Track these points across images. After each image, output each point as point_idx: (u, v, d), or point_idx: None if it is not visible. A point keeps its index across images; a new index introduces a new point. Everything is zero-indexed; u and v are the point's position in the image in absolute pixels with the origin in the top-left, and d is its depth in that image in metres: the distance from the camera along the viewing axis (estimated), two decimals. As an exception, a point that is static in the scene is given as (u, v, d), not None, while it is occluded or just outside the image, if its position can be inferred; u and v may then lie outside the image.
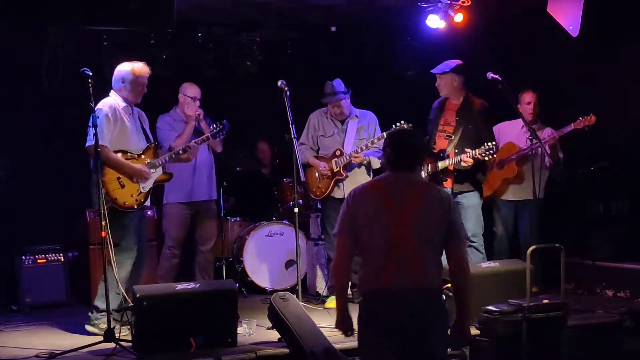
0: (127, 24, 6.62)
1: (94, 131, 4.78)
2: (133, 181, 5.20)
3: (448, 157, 5.78)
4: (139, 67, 5.30)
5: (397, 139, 3.59)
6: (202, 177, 6.14)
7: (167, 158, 5.40)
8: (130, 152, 5.20)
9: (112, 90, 5.29)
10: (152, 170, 5.29)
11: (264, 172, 7.88)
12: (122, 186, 5.13)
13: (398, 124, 5.70)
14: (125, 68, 5.26)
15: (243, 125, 7.51)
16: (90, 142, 4.99)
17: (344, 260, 3.50)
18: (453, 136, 5.84)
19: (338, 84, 6.08)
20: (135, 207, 5.23)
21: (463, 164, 5.68)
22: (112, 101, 5.22)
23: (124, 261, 5.08)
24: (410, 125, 5.71)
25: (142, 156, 5.28)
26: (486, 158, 5.61)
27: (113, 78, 5.29)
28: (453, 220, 3.44)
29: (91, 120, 4.81)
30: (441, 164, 5.80)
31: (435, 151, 5.91)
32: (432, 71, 5.96)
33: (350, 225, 3.45)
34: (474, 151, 5.62)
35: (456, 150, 5.75)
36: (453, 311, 3.56)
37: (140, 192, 5.25)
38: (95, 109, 5.06)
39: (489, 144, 5.57)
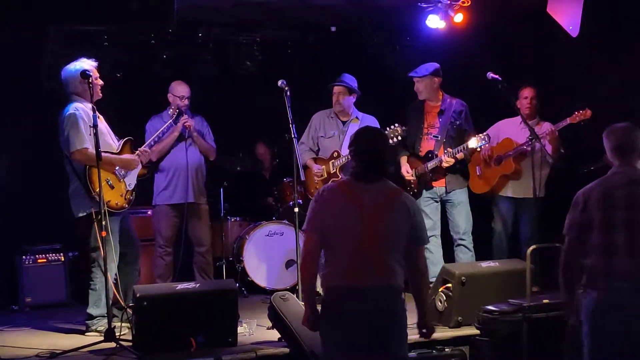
0: (127, 24, 6.61)
1: (95, 131, 4.78)
2: (120, 180, 5.20)
3: (437, 156, 5.86)
4: (90, 63, 5.19)
5: (365, 150, 3.57)
6: (192, 180, 6.09)
7: (147, 148, 5.41)
8: (109, 151, 5.11)
9: (72, 95, 5.17)
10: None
11: (264, 173, 7.88)
12: (112, 187, 5.13)
13: (392, 126, 5.71)
14: (85, 68, 5.04)
15: (243, 125, 7.52)
16: (79, 146, 4.97)
17: (311, 256, 3.56)
18: (440, 136, 5.93)
19: (349, 77, 6.14)
20: (127, 205, 5.25)
21: (444, 164, 5.82)
22: (80, 104, 5.13)
23: (108, 265, 4.96)
24: (404, 128, 5.74)
25: (121, 153, 5.27)
26: (459, 155, 5.80)
27: (68, 81, 5.15)
28: (415, 225, 3.54)
29: (93, 120, 4.80)
30: (431, 165, 5.90)
31: (422, 154, 5.98)
32: (410, 74, 6.04)
33: (318, 223, 3.53)
34: (453, 150, 5.80)
35: (448, 150, 5.85)
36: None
37: (128, 190, 5.27)
38: (66, 113, 5.06)
39: (468, 143, 5.73)
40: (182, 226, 6.12)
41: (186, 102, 6.07)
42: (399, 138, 5.72)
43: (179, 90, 6.11)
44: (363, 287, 3.40)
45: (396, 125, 5.72)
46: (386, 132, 5.71)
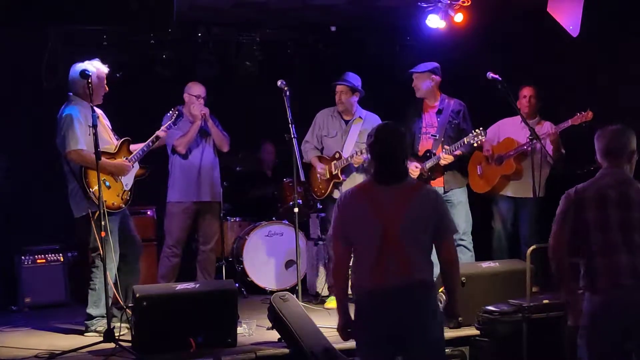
0: (127, 24, 6.62)
1: (94, 131, 4.78)
2: (117, 180, 5.21)
3: (435, 155, 5.87)
4: (101, 68, 5.22)
5: (384, 153, 3.50)
6: (207, 178, 6.13)
7: (140, 152, 5.40)
8: (106, 152, 5.12)
9: (71, 94, 5.19)
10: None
11: (268, 173, 7.88)
12: (108, 187, 5.13)
13: None
14: (87, 69, 5.04)
15: (243, 125, 7.52)
16: (74, 146, 4.99)
17: (341, 262, 3.56)
18: (438, 135, 5.94)
19: (352, 76, 6.14)
20: (123, 205, 5.25)
21: (443, 161, 5.81)
22: (77, 105, 5.14)
23: (108, 265, 4.95)
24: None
25: (118, 154, 5.27)
26: (458, 153, 5.77)
27: (74, 80, 5.16)
28: (441, 217, 3.49)
29: (92, 120, 4.81)
30: (429, 163, 5.89)
31: (421, 153, 5.98)
32: (410, 71, 6.05)
33: (343, 229, 3.52)
34: (451, 147, 5.78)
35: (446, 147, 5.84)
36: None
37: (125, 190, 5.27)
38: (63, 114, 5.06)
39: (465, 139, 5.69)
40: (194, 225, 6.14)
41: (202, 101, 6.09)
42: None
43: (196, 90, 6.14)
44: (390, 286, 3.37)
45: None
46: None
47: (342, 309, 3.57)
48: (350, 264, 3.58)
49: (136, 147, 5.43)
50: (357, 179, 6.03)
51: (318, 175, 6.20)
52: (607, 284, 3.44)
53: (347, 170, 6.07)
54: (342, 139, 6.17)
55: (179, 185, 6.10)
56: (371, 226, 3.41)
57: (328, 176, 6.12)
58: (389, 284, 3.37)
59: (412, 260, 3.39)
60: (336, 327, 3.61)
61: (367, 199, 3.47)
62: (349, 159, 5.96)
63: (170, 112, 5.87)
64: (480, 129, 5.69)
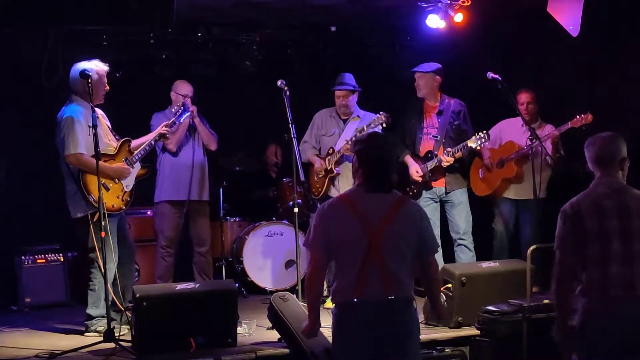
0: (127, 24, 6.62)
1: (94, 131, 4.78)
2: (116, 182, 5.20)
3: (436, 156, 5.86)
4: (101, 66, 5.21)
5: (372, 160, 3.49)
6: (196, 177, 6.13)
7: (142, 152, 5.40)
8: (105, 154, 5.12)
9: (72, 95, 5.19)
10: (130, 167, 5.30)
11: (272, 174, 7.88)
12: (107, 189, 5.12)
13: (377, 115, 5.73)
14: (87, 68, 5.05)
15: (242, 125, 7.52)
16: (73, 150, 4.98)
17: (318, 272, 3.53)
18: (439, 136, 5.94)
19: (349, 77, 6.13)
20: (124, 207, 5.24)
21: (444, 163, 5.83)
22: (78, 105, 5.13)
23: (107, 266, 4.95)
24: (387, 115, 5.73)
25: (118, 155, 5.27)
26: (458, 154, 5.80)
27: (72, 80, 5.17)
28: (422, 233, 3.51)
29: (93, 120, 4.80)
30: (430, 164, 5.90)
31: (422, 154, 5.98)
32: (412, 70, 6.06)
33: (323, 241, 3.48)
34: (452, 149, 5.80)
35: (448, 149, 5.84)
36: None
37: (125, 192, 5.26)
38: (64, 116, 5.06)
39: (468, 141, 5.73)
40: (185, 225, 6.13)
41: (189, 101, 6.09)
42: (384, 126, 5.72)
43: (183, 89, 6.15)
44: (372, 300, 3.36)
45: (380, 113, 5.73)
46: (371, 121, 5.73)
47: (315, 315, 3.58)
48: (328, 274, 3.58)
49: (137, 144, 5.43)
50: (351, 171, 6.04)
51: (315, 173, 6.21)
52: (601, 294, 3.39)
53: (341, 163, 6.07)
54: (339, 136, 6.17)
55: (168, 184, 6.10)
56: (356, 237, 3.39)
57: (324, 172, 6.13)
58: (370, 297, 3.36)
59: (394, 274, 3.38)
60: (302, 330, 3.64)
61: (353, 209, 3.44)
62: (341, 150, 5.97)
63: (176, 108, 5.87)
64: (484, 131, 5.70)
